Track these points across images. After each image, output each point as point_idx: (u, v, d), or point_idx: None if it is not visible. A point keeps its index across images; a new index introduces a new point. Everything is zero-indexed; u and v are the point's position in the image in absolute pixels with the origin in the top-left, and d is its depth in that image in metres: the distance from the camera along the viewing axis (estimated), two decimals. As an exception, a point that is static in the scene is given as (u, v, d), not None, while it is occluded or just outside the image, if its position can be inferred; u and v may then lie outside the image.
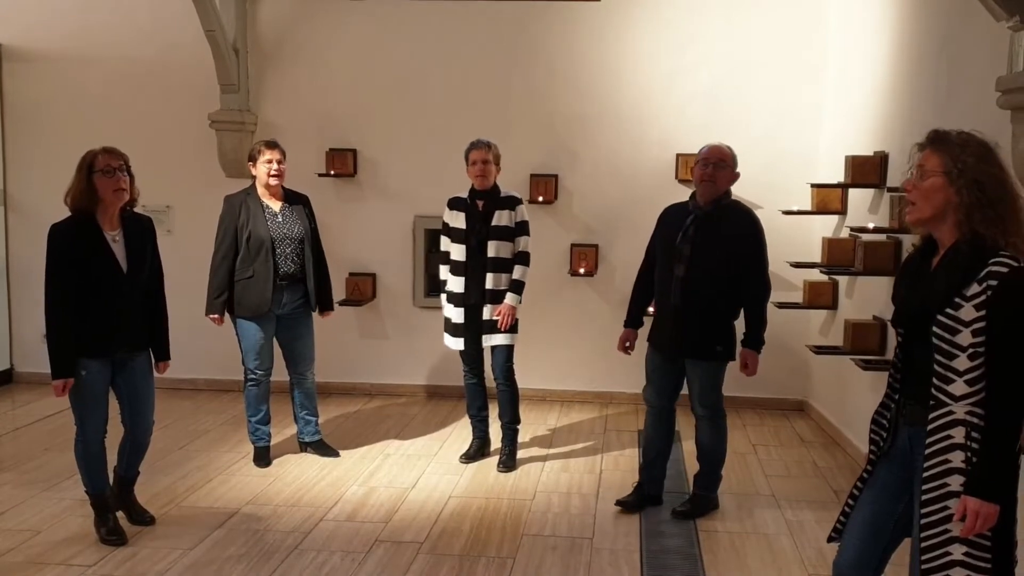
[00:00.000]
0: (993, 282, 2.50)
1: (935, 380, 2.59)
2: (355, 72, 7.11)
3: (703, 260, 4.55)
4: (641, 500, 4.93)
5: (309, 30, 7.12)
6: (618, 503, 4.94)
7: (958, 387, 2.55)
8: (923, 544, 2.60)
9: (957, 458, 2.55)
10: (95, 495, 4.44)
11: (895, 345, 2.83)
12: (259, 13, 7.15)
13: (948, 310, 2.56)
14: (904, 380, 2.76)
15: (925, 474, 2.60)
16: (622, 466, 5.67)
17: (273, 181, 5.33)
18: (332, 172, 7.10)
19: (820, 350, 5.87)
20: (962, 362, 2.55)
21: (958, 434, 2.55)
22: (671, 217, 4.79)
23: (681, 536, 4.57)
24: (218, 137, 7.08)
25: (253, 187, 5.40)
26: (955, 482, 2.55)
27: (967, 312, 2.53)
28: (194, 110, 7.10)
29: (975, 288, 2.52)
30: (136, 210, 4.41)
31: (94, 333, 4.21)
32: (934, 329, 2.58)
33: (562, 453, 5.92)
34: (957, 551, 2.55)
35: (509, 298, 5.36)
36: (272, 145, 5.37)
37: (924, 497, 2.60)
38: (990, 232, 2.53)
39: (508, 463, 5.53)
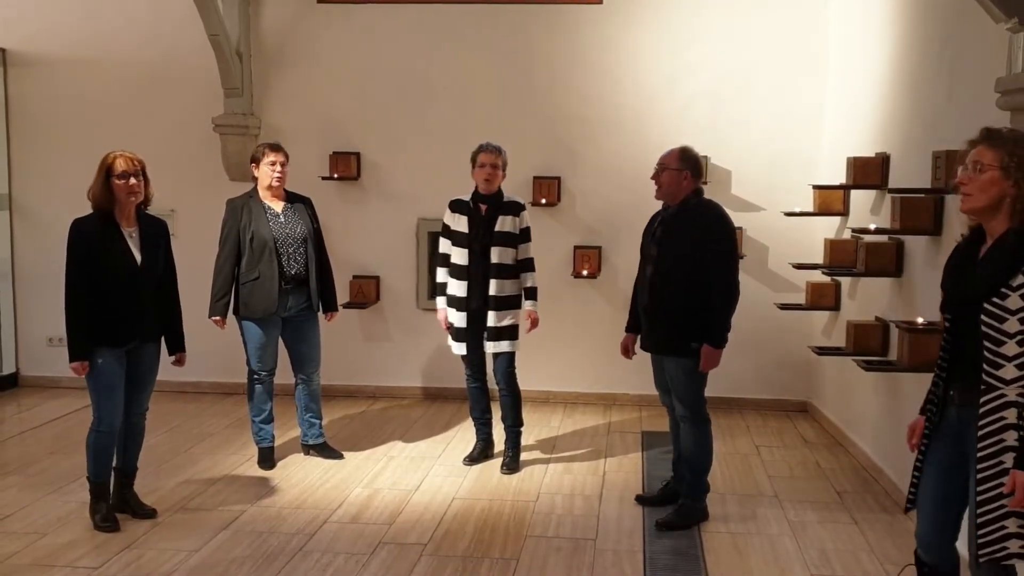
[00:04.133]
0: None
1: (986, 366, 2.74)
2: (358, 75, 7.13)
3: (667, 260, 4.61)
4: (666, 498, 4.96)
5: (312, 34, 7.15)
6: (638, 498, 5.05)
7: (1008, 371, 2.71)
8: (980, 520, 2.76)
9: (1011, 437, 2.71)
10: (97, 483, 4.63)
11: (943, 330, 2.98)
12: (262, 17, 7.18)
13: (995, 299, 2.71)
14: (951, 364, 2.93)
15: (980, 454, 2.75)
16: (625, 467, 5.68)
17: (276, 183, 5.36)
18: (335, 175, 7.12)
19: (823, 351, 5.87)
20: (1011, 348, 2.70)
21: (1010, 415, 2.71)
22: (651, 223, 4.90)
23: (684, 537, 4.57)
24: (222, 141, 7.11)
25: (255, 190, 5.43)
26: (1009, 460, 2.70)
27: (1014, 301, 2.68)
28: (198, 114, 7.13)
29: (1020, 279, 2.67)
30: (151, 214, 4.71)
31: (110, 322, 4.47)
32: (982, 317, 2.73)
33: (565, 455, 5.93)
34: (1012, 524, 2.71)
35: (529, 305, 5.44)
36: (276, 148, 5.41)
37: (980, 476, 2.75)
38: None
39: (511, 465, 5.55)
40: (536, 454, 5.90)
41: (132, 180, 4.43)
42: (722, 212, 4.71)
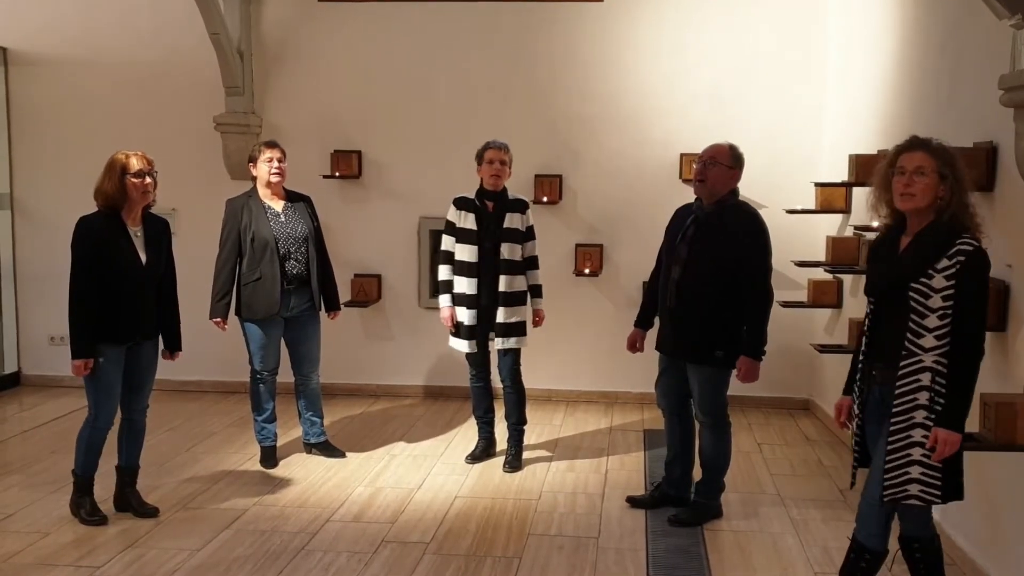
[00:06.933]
0: (961, 258, 3.12)
1: (909, 335, 3.19)
2: (359, 74, 7.13)
3: (698, 262, 4.47)
4: (657, 500, 4.92)
5: (313, 32, 7.14)
6: (629, 499, 4.99)
7: (928, 341, 3.17)
8: (888, 465, 3.23)
9: (923, 397, 3.18)
10: (83, 477, 4.66)
11: (866, 314, 3.42)
12: (263, 16, 7.17)
13: (922, 279, 3.16)
14: (872, 343, 3.38)
15: (895, 409, 3.22)
16: (628, 465, 5.68)
17: (275, 179, 5.34)
18: (337, 174, 7.12)
19: (825, 349, 5.87)
20: (932, 321, 3.16)
21: (925, 378, 3.17)
22: (678, 218, 4.74)
23: (687, 535, 4.57)
24: (223, 140, 7.11)
25: (254, 189, 5.42)
26: (919, 415, 3.19)
27: (938, 281, 3.14)
28: (199, 113, 7.13)
29: (944, 262, 3.14)
30: (154, 213, 4.73)
31: (113, 319, 4.48)
32: (910, 294, 3.18)
33: (568, 453, 5.93)
34: (915, 471, 3.21)
35: (539, 303, 5.55)
36: (272, 144, 5.40)
37: (892, 428, 3.22)
38: (962, 218, 3.18)
39: (514, 463, 5.54)
40: (538, 452, 5.90)
41: (147, 179, 4.47)
42: (760, 216, 4.57)
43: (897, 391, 3.21)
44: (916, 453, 3.18)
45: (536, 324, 5.56)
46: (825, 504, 5.01)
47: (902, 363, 3.19)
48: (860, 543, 3.46)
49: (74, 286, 4.45)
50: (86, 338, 4.43)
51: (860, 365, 3.45)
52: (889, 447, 3.22)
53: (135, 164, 4.44)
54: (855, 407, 3.50)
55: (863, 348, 3.43)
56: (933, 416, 3.17)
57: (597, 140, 7.01)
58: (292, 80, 7.20)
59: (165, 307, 4.74)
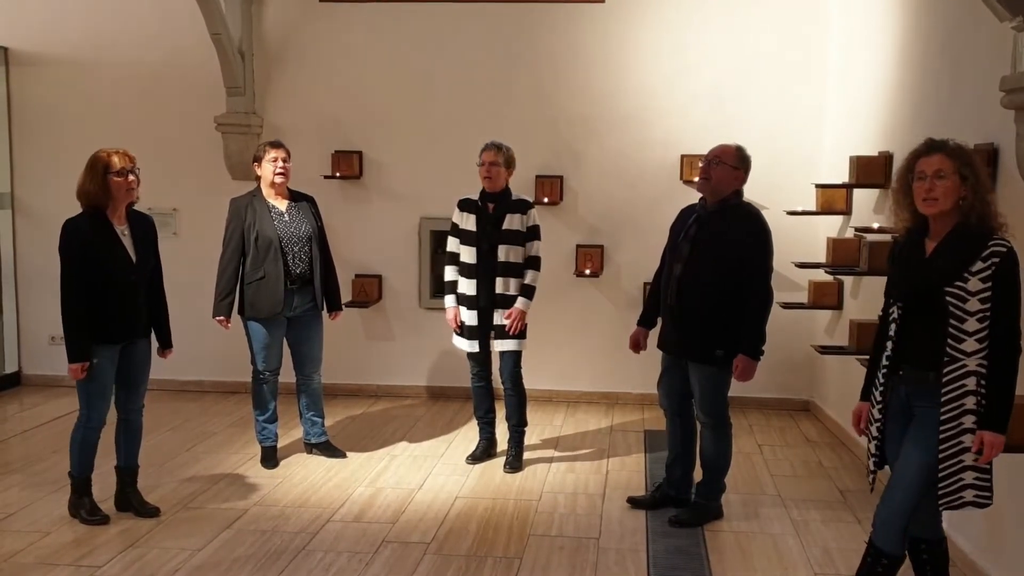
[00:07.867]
0: (996, 259, 3.10)
1: (950, 340, 3.15)
2: (360, 74, 7.14)
3: (700, 260, 4.48)
4: (657, 500, 4.92)
5: (314, 33, 7.15)
6: (629, 500, 4.99)
7: (969, 345, 3.13)
8: (942, 472, 3.18)
9: (970, 402, 3.14)
10: (80, 478, 4.66)
11: (891, 319, 3.34)
12: (264, 16, 7.18)
13: (958, 283, 3.12)
14: (899, 348, 3.31)
15: (943, 416, 3.17)
16: (628, 466, 5.68)
17: (279, 179, 5.35)
18: (338, 174, 7.12)
19: (825, 350, 5.87)
20: (972, 324, 3.12)
21: (971, 383, 3.14)
22: (682, 217, 4.75)
23: (687, 536, 4.57)
24: (224, 140, 7.11)
25: (258, 189, 5.43)
26: (968, 421, 3.15)
27: (973, 284, 3.11)
28: (200, 113, 7.13)
29: (979, 264, 3.11)
30: (138, 210, 4.72)
31: (106, 320, 4.46)
32: (947, 299, 3.13)
33: (568, 453, 5.93)
34: (968, 476, 3.18)
35: (520, 303, 5.35)
36: (277, 144, 5.41)
37: (943, 435, 3.18)
38: (986, 218, 3.15)
39: (514, 464, 5.54)
40: (539, 453, 5.90)
41: (131, 176, 4.44)
42: (762, 217, 4.57)
43: (944, 397, 3.16)
44: (968, 459, 3.16)
45: (509, 326, 5.31)
46: (825, 505, 5.01)
47: (945, 369, 3.16)
48: (878, 548, 3.39)
49: (65, 290, 4.40)
50: (81, 341, 4.40)
51: (884, 369, 3.37)
52: (941, 455, 3.18)
53: (117, 162, 4.39)
54: (873, 412, 3.45)
55: (888, 352, 3.35)
56: None
57: (598, 141, 7.01)
58: (293, 80, 7.20)
59: (154, 305, 4.72)
